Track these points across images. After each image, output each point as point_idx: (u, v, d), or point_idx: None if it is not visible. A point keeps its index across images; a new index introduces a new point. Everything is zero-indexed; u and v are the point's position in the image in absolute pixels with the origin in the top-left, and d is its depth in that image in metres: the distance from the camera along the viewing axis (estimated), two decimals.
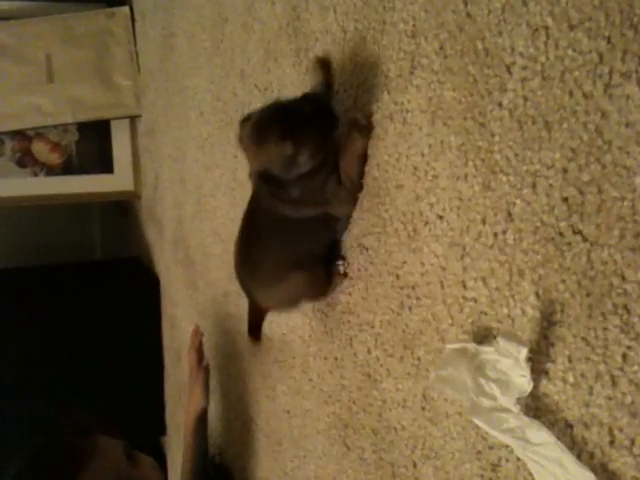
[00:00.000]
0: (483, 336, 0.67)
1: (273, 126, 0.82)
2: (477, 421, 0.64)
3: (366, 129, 0.84)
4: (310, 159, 0.82)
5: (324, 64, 0.92)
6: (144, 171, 2.34)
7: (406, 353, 0.80)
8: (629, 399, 0.52)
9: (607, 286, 0.54)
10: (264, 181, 0.85)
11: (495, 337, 0.64)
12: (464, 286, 0.70)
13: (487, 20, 0.65)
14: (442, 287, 0.73)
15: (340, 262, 0.92)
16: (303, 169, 0.83)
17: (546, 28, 0.58)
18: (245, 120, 0.88)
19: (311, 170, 0.84)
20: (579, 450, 0.57)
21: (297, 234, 0.91)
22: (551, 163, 0.58)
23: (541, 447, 0.58)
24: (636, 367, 0.52)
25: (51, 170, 2.33)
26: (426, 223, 0.75)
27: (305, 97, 0.86)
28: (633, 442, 0.52)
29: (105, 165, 2.38)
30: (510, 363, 0.62)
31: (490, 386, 0.63)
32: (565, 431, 0.58)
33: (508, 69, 0.63)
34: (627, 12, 0.51)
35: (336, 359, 0.97)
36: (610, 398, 0.54)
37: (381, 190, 0.83)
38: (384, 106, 0.81)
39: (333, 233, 0.93)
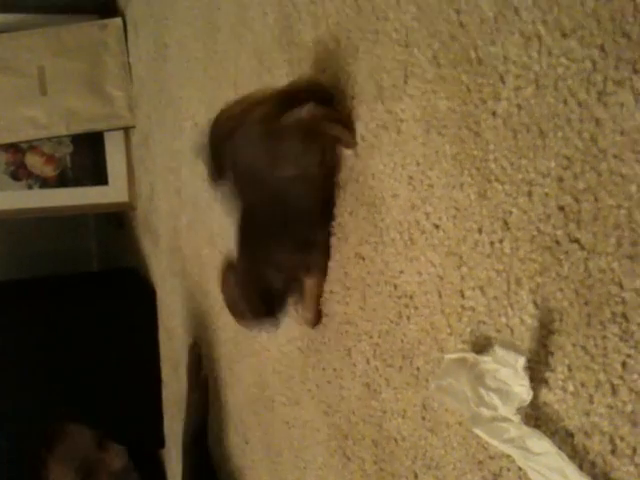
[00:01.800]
0: (482, 345, 0.67)
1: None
2: (478, 431, 0.63)
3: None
4: None
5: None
6: (139, 182, 2.33)
7: (405, 363, 0.80)
8: (630, 407, 0.52)
9: (605, 294, 0.53)
10: None
11: (493, 346, 0.64)
12: (462, 295, 0.69)
13: (480, 29, 0.65)
14: (440, 296, 0.73)
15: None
16: None
17: (539, 36, 0.58)
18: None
19: None
20: (581, 459, 0.56)
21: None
22: (546, 171, 0.58)
23: (542, 457, 0.58)
24: (636, 375, 0.52)
25: (45, 182, 2.32)
26: (422, 232, 0.75)
27: None
28: (635, 451, 0.52)
29: (100, 177, 2.37)
30: (509, 372, 0.61)
31: (490, 396, 0.63)
32: (566, 440, 0.58)
33: (501, 78, 0.63)
34: (619, 20, 0.51)
35: (335, 370, 0.96)
36: (611, 407, 0.54)
37: (377, 199, 0.83)
38: (378, 116, 0.81)
39: None
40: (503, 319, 0.64)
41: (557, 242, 0.57)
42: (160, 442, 2.23)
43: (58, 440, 1.19)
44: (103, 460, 1.25)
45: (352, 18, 0.86)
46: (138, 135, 2.26)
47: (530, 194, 0.60)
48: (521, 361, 0.60)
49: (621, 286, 0.52)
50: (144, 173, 2.22)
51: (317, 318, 0.96)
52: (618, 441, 0.53)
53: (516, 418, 0.61)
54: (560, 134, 0.57)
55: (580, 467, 0.56)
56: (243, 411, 1.40)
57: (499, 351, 0.62)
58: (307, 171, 0.85)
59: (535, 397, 0.60)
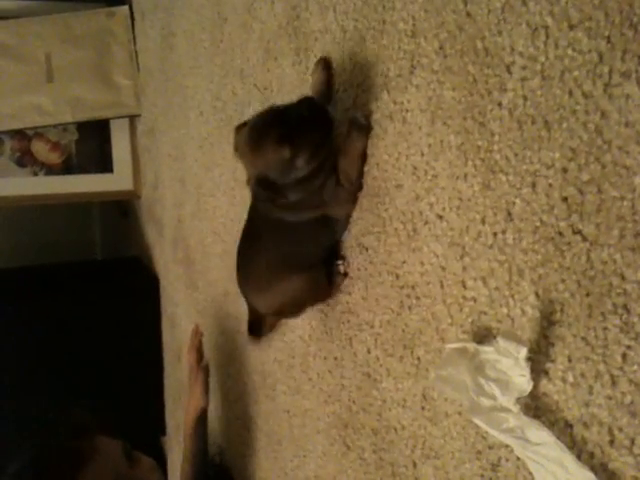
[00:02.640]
0: (483, 336, 0.67)
1: (270, 130, 0.82)
2: (477, 421, 0.64)
3: (365, 128, 0.84)
4: (307, 162, 0.82)
5: (325, 65, 0.92)
6: (144, 171, 2.33)
7: (406, 353, 0.80)
8: (629, 399, 0.52)
9: (607, 286, 0.54)
10: (262, 186, 0.85)
11: (495, 337, 0.64)
12: (464, 286, 0.70)
13: (487, 20, 0.65)
14: (442, 287, 0.73)
15: (340, 262, 0.92)
16: (300, 173, 0.83)
17: (546, 28, 0.58)
18: (240, 127, 0.87)
19: (309, 173, 0.84)
20: (579, 450, 0.57)
21: (295, 238, 0.91)
22: (551, 163, 0.58)
23: (541, 447, 0.58)
24: (636, 367, 0.52)
25: (51, 169, 2.33)
26: (426, 223, 0.75)
27: (301, 101, 0.86)
28: (633, 442, 0.52)
29: (105, 164, 2.38)
30: (510, 363, 0.62)
31: (490, 386, 0.63)
32: (565, 431, 0.58)
33: (508, 69, 0.62)
34: (627, 12, 0.51)
35: (336, 359, 0.97)
36: (610, 398, 0.54)
37: (381, 190, 0.83)
38: (384, 105, 0.81)
39: (332, 235, 0.93)
40: (504, 310, 0.64)
41: (560, 233, 0.58)
42: (161, 429, 2.25)
43: (88, 456, 1.13)
44: (136, 477, 1.20)
45: (359, 8, 0.86)
46: (144, 123, 2.26)
47: (534, 185, 0.60)
48: (523, 352, 0.60)
49: (623, 278, 0.52)
50: (149, 161, 2.22)
51: (360, 178, 0.87)
52: (617, 432, 0.54)
53: (515, 408, 0.61)
54: (565, 125, 0.57)
55: (578, 457, 0.56)
56: (244, 399, 1.40)
57: (501, 341, 0.62)
58: None
59: (535, 387, 0.60)
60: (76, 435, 1.20)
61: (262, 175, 0.84)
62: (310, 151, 0.82)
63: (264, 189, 0.85)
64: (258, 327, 1.14)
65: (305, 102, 0.86)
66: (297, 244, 0.91)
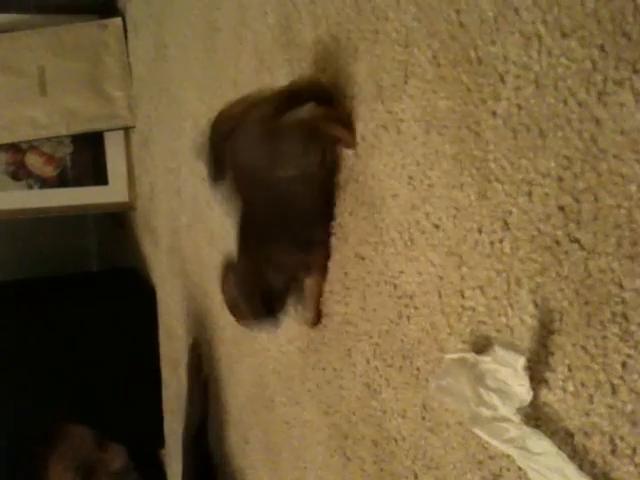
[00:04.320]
0: (482, 345, 0.67)
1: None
2: (478, 431, 0.63)
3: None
4: None
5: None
6: (139, 182, 2.33)
7: (405, 363, 0.80)
8: (630, 408, 0.52)
9: (605, 294, 0.53)
10: None
11: (493, 346, 0.64)
12: (462, 295, 0.69)
13: (480, 29, 0.65)
14: (440, 296, 0.73)
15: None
16: None
17: (539, 36, 0.58)
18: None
19: None
20: (580, 459, 0.56)
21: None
22: (546, 171, 0.58)
23: (542, 457, 0.58)
24: (636, 375, 0.52)
25: (45, 182, 2.32)
26: (422, 232, 0.75)
27: None
28: (635, 451, 0.52)
29: (99, 177, 2.37)
30: (509, 372, 0.61)
31: (490, 396, 0.63)
32: (566, 440, 0.58)
33: (501, 78, 0.63)
34: (619, 20, 0.51)
35: (335, 369, 0.96)
36: (611, 407, 0.54)
37: (376, 199, 0.83)
38: (378, 115, 0.81)
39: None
40: (503, 319, 0.64)
41: (557, 242, 0.57)
42: (160, 442, 2.23)
43: (58, 440, 1.19)
44: (103, 460, 1.25)
45: (352, 18, 0.86)
46: (138, 135, 2.26)
47: (530, 194, 0.60)
48: (521, 361, 0.60)
49: (621, 286, 0.52)
50: (144, 173, 2.22)
51: (317, 318, 0.96)
52: (618, 441, 0.53)
53: (516, 418, 0.61)
54: (560, 134, 0.57)
55: (580, 467, 0.56)
56: (243, 411, 1.40)
57: (499, 351, 0.62)
58: (307, 171, 0.86)
59: (535, 397, 0.60)
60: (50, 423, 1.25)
61: None
62: None
63: None
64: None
65: None
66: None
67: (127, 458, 1.34)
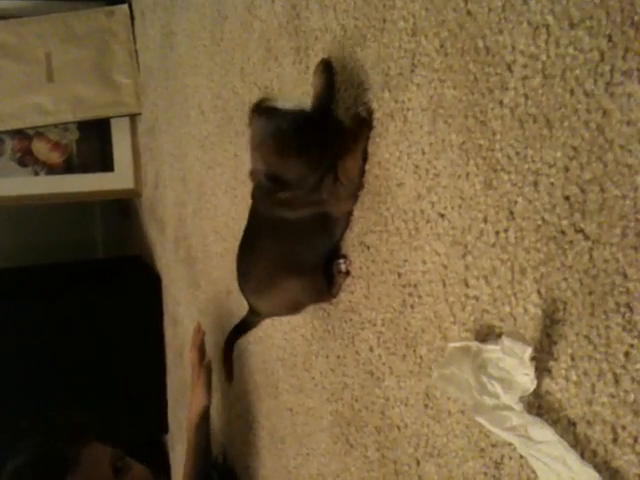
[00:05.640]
0: (485, 334, 0.67)
1: (293, 139, 0.83)
2: (480, 419, 0.64)
3: (367, 124, 0.84)
4: (318, 170, 0.85)
5: (326, 66, 0.92)
6: (145, 170, 2.34)
7: (408, 351, 0.80)
8: (632, 397, 0.53)
9: (609, 284, 0.54)
10: (271, 180, 0.85)
11: (499, 336, 0.64)
12: (466, 284, 0.70)
13: (488, 18, 0.65)
14: (444, 285, 0.73)
15: (341, 260, 0.92)
16: (312, 181, 0.85)
17: (547, 26, 0.58)
18: (260, 108, 0.87)
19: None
20: (582, 448, 0.57)
21: (295, 240, 0.91)
22: (553, 161, 0.58)
23: (544, 445, 0.59)
24: (638, 365, 0.52)
25: (52, 169, 2.33)
26: (427, 221, 0.75)
27: (315, 108, 0.89)
28: (636, 440, 0.53)
29: (106, 164, 2.38)
30: (513, 362, 0.62)
31: (493, 384, 0.63)
32: (568, 429, 0.58)
33: (509, 67, 0.62)
34: (628, 10, 0.51)
35: (338, 357, 0.97)
36: (613, 396, 0.54)
37: (382, 188, 0.83)
38: (385, 104, 0.81)
39: (330, 238, 0.93)
40: (507, 308, 0.64)
41: (562, 232, 0.58)
42: (164, 427, 2.25)
43: (73, 464, 1.14)
44: None
45: (359, 6, 0.86)
46: (144, 122, 2.26)
47: (536, 184, 0.60)
48: (528, 351, 0.60)
49: (625, 276, 0.52)
50: (150, 160, 2.22)
51: (361, 176, 0.88)
52: (620, 430, 0.54)
53: (518, 407, 0.61)
54: (567, 124, 0.57)
55: (581, 455, 0.56)
56: (247, 398, 1.41)
57: (506, 341, 0.62)
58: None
59: (538, 386, 0.60)
60: (71, 440, 1.21)
61: (272, 172, 0.85)
62: (321, 157, 0.84)
63: (272, 183, 0.86)
64: (245, 329, 1.13)
65: (319, 108, 0.89)
66: (296, 246, 0.91)
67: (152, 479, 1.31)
